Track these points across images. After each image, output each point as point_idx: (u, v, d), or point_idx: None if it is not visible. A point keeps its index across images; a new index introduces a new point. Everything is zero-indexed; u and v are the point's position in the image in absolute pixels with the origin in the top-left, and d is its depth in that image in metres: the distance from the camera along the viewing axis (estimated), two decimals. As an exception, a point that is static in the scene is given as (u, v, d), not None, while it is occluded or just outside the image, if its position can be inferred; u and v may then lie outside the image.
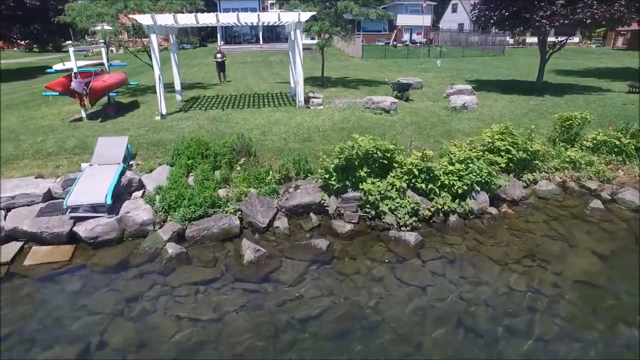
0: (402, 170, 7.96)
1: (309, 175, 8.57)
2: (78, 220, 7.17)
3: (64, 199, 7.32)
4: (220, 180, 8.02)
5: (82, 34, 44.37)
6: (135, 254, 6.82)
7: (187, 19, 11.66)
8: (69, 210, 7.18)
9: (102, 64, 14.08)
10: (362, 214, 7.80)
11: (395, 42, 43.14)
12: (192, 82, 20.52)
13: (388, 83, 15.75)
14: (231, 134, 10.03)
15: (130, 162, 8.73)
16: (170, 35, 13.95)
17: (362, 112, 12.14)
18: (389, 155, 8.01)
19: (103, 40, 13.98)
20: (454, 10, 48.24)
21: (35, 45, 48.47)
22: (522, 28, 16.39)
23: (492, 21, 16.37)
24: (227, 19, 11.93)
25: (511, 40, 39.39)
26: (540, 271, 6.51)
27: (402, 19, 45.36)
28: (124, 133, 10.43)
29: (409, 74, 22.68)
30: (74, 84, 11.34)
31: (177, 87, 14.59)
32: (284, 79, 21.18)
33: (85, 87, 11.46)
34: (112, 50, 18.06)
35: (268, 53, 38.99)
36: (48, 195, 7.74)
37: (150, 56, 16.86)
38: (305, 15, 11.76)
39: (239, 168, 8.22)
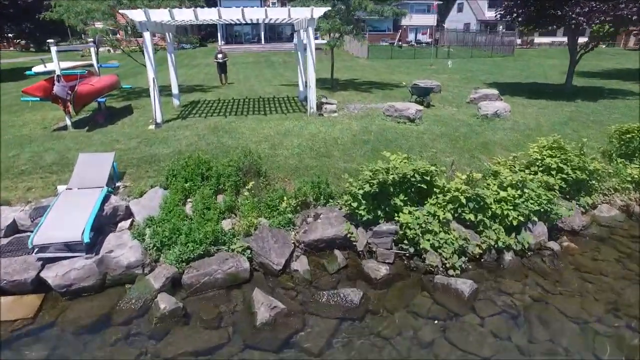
0: (445, 197, 6.51)
1: (330, 200, 7.13)
2: (48, 261, 5.71)
3: (32, 232, 5.88)
4: (225, 208, 6.56)
5: (81, 33, 42.87)
6: (119, 308, 5.36)
7: (184, 15, 10.18)
8: (35, 250, 5.72)
9: (92, 66, 12.61)
10: (398, 252, 6.35)
11: (400, 42, 41.66)
12: (191, 85, 19.03)
13: (406, 87, 14.30)
14: (236, 147, 8.57)
15: (117, 184, 7.26)
16: (166, 34, 12.47)
17: (383, 121, 10.68)
18: (428, 178, 6.57)
19: (92, 40, 12.49)
20: (460, 9, 46.79)
21: (31, 45, 46.85)
22: (555, 26, 14.96)
23: (520, 19, 14.91)
24: (230, 15, 10.46)
25: (519, 40, 37.94)
26: (632, 335, 5.08)
27: (407, 19, 43.82)
28: (111, 146, 8.96)
29: (421, 76, 21.22)
30: (56, 89, 9.85)
31: (175, 90, 13.12)
32: (290, 81, 19.69)
33: (69, 92, 9.98)
34: (109, 50, 16.65)
35: (270, 53, 37.49)
36: (12, 228, 6.27)
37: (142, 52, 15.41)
38: (319, 11, 10.30)
39: (247, 193, 6.76)
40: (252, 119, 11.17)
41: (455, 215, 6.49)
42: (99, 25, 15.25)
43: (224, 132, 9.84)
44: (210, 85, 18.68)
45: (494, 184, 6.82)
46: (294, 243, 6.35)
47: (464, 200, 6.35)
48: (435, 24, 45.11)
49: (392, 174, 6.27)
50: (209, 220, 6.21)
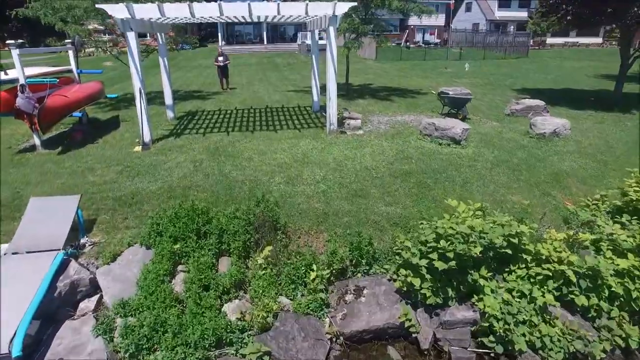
0: (542, 269, 4.53)
1: (373, 263, 5.14)
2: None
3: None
4: (230, 284, 4.57)
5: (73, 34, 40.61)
6: None
7: (177, 12, 8.15)
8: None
9: (70, 72, 10.57)
10: (480, 351, 4.38)
11: (408, 43, 39.61)
12: (189, 90, 16.98)
13: (435, 95, 12.30)
14: (243, 182, 6.57)
15: (82, 240, 5.26)
16: (158, 35, 10.45)
17: (420, 142, 8.67)
18: (516, 241, 4.59)
19: (71, 41, 10.46)
20: (468, 9, 44.74)
21: (26, 45, 44.60)
22: (613, 26, 13.07)
23: (568, 17, 12.91)
24: (233, 11, 8.44)
25: (530, 41, 35.94)
26: None
27: (415, 19, 41.75)
28: (84, 177, 6.94)
29: (439, 81, 19.23)
30: (19, 101, 7.84)
31: (168, 100, 11.08)
32: (297, 86, 17.66)
33: (36, 105, 7.98)
34: (104, 51, 14.61)
35: (273, 54, 35.42)
36: None
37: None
38: (343, 7, 8.30)
39: (261, 261, 4.76)
40: (260, 137, 9.16)
41: (558, 294, 4.52)
42: (92, 25, 13.24)
43: (226, 156, 7.83)
44: (210, 90, 16.64)
45: (606, 247, 4.84)
46: (329, 338, 4.37)
47: (573, 277, 4.37)
48: (444, 24, 43.08)
49: (473, 244, 4.29)
50: (207, 308, 4.21)
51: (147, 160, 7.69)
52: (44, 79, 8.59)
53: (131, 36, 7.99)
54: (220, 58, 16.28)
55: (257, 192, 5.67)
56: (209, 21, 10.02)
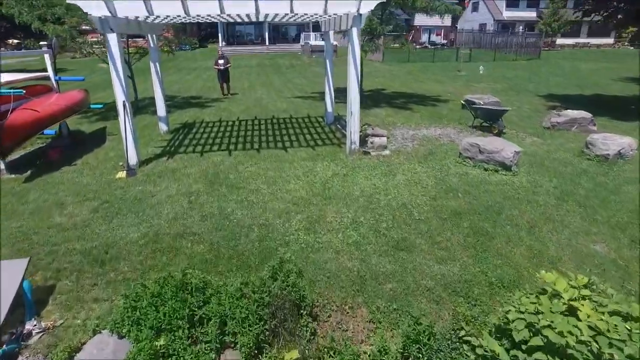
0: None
1: (432, 357, 3.66)
2: None
3: None
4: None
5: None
6: None
7: (169, 8, 6.64)
8: None
9: (48, 78, 9.05)
10: None
11: (414, 44, 38.09)
12: (187, 96, 15.47)
13: (465, 106, 10.81)
14: (250, 228, 5.07)
15: (28, 326, 3.76)
16: (149, 36, 8.95)
17: (460, 166, 7.17)
18: None
19: (47, 43, 8.94)
20: (475, 9, 43.22)
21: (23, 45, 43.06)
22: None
23: (620, 16, 11.40)
24: (237, 9, 6.93)
25: (541, 42, 34.45)
26: None
27: (421, 19, 40.24)
28: (49, 216, 5.43)
29: (456, 85, 17.75)
30: (-24, 118, 6.36)
31: (161, 111, 9.57)
32: (304, 91, 16.15)
33: (-3, 123, 6.49)
34: (85, 54, 13.13)
35: (275, 55, 33.90)
36: None
37: (127, 62, 11.86)
38: (370, 5, 6.81)
39: (282, 369, 3.27)
40: (268, 158, 7.67)
41: None
42: (78, 25, 11.71)
43: (228, 186, 6.33)
44: (209, 96, 15.13)
45: None
46: None
47: None
48: (450, 25, 41.59)
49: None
50: None
51: (131, 192, 6.18)
52: (9, 90, 7.07)
53: (112, 38, 6.48)
54: (221, 61, 14.77)
55: (272, 259, 4.16)
56: (208, 20, 8.52)
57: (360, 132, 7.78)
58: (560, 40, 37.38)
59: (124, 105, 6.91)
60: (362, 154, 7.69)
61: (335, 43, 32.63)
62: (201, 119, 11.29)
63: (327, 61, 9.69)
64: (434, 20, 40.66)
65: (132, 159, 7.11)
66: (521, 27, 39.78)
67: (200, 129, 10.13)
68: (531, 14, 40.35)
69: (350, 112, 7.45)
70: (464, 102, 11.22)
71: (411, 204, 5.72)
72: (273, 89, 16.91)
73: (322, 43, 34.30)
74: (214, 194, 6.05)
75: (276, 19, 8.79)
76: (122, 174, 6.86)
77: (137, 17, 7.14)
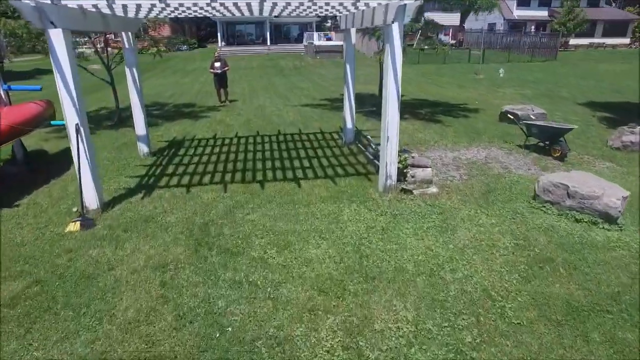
0: None
1: None
2: None
3: None
4: None
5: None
6: None
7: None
8: None
9: (-5, 88, 7.01)
10: None
11: (422, 44, 35.98)
12: (179, 103, 13.44)
13: (505, 119, 8.79)
14: (253, 346, 3.07)
15: None
16: (123, 34, 6.91)
17: (541, 215, 5.11)
18: None
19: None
20: (483, 8, 41.19)
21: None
22: None
23: None
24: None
25: (558, 42, 32.39)
26: None
27: (428, 18, 38.18)
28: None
29: (480, 90, 15.74)
30: None
31: (140, 129, 7.51)
32: (312, 97, 14.12)
33: None
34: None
35: (276, 55, 31.85)
36: None
37: (106, 66, 9.84)
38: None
39: None
40: (276, 198, 5.66)
41: None
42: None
43: (220, 253, 4.31)
44: (204, 104, 13.10)
45: None
46: None
47: None
48: (459, 24, 39.52)
49: None
50: None
51: (79, 262, 4.17)
52: None
53: (56, 36, 4.46)
54: (217, 64, 12.74)
55: None
56: (196, 14, 6.50)
57: (399, 162, 5.77)
58: (573, 41, 35.30)
59: (77, 130, 4.90)
60: (400, 192, 5.69)
61: (340, 43, 30.57)
62: (192, 134, 9.27)
63: (347, 67, 7.67)
64: (444, 19, 38.59)
65: (91, 203, 5.11)
66: (532, 27, 37.73)
67: (189, 149, 8.11)
68: (542, 13, 38.29)
69: (387, 137, 5.45)
70: (510, 116, 9.22)
71: (495, 289, 3.72)
72: (277, 95, 14.89)
73: (328, 43, 32.30)
74: (199, 268, 4.04)
75: (284, 12, 6.77)
76: (74, 226, 4.85)
77: (96, 7, 5.12)
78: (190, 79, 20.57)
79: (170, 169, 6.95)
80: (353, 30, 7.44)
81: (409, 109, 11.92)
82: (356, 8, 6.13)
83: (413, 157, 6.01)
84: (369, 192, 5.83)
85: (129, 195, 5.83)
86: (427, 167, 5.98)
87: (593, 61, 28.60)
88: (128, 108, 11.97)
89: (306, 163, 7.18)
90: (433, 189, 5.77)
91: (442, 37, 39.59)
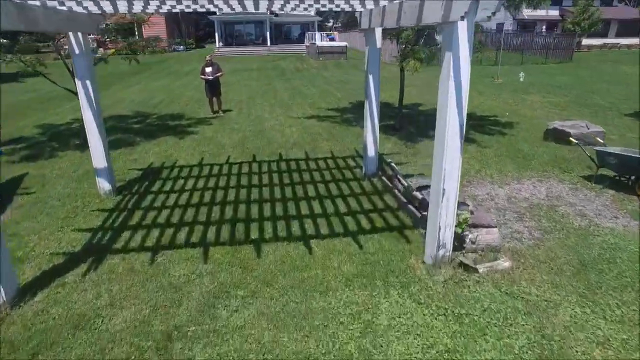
0: None
1: None
2: None
3: None
4: None
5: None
6: None
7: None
8: None
9: None
10: None
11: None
12: (166, 114, 11.58)
13: (582, 149, 6.93)
14: None
15: None
16: (70, 36, 5.07)
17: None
18: None
19: None
20: (491, 7, 39.18)
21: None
22: None
23: None
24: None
25: (575, 43, 30.55)
26: None
27: (434, 17, 36.26)
28: None
29: (503, 96, 13.88)
30: None
31: (99, 159, 5.58)
32: (318, 107, 12.24)
33: None
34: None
35: (277, 56, 29.95)
36: None
37: (70, 73, 8.01)
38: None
39: None
40: (278, 277, 3.82)
41: None
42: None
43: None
44: (194, 115, 11.25)
45: None
46: None
47: None
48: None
49: None
50: None
51: None
52: None
53: None
54: (208, 69, 10.88)
55: None
56: (182, 7, 4.67)
57: (457, 225, 3.91)
58: (586, 41, 33.38)
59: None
60: (458, 268, 3.85)
61: (344, 44, 28.68)
62: (174, 158, 7.42)
63: (370, 79, 5.80)
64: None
65: (-8, 299, 3.28)
66: (543, 27, 35.84)
67: (167, 183, 6.26)
68: (553, 13, 36.37)
69: (441, 190, 3.61)
70: (573, 140, 7.34)
71: None
72: (278, 103, 13.02)
73: (331, 44, 30.31)
74: None
75: (291, 9, 4.93)
76: (-42, 343, 3.02)
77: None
78: (183, 82, 18.70)
79: (135, 218, 5.11)
80: (379, 31, 5.58)
81: (433, 121, 10.04)
82: (390, 0, 4.29)
83: (472, 213, 4.16)
84: (411, 263, 3.99)
85: (67, 268, 4.00)
86: (491, 226, 4.14)
87: (610, 62, 26.71)
88: (107, 119, 10.15)
89: (317, 207, 5.34)
90: (504, 263, 3.93)
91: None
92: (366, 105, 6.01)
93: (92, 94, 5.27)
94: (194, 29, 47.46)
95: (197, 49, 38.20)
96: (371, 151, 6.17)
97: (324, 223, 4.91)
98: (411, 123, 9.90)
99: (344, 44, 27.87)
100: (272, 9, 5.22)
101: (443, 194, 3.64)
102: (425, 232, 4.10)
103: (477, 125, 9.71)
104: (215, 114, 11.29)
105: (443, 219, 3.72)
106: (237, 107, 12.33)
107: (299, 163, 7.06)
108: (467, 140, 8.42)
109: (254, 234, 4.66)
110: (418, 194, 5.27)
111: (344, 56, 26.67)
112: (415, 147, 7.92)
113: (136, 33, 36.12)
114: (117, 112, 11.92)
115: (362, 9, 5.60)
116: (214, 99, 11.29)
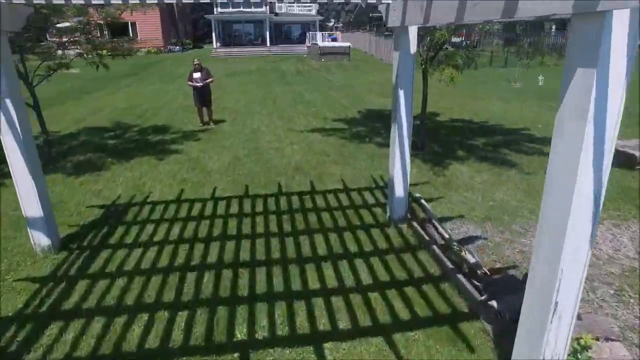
0: None
1: None
2: None
3: None
4: None
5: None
6: None
7: None
8: None
9: None
10: None
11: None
12: (149, 125, 10.04)
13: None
14: None
15: None
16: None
17: None
18: None
19: None
20: (498, 6, 37.54)
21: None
22: None
23: None
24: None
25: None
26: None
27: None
28: None
29: (529, 104, 12.33)
30: None
31: (31, 206, 4.06)
32: (322, 115, 10.68)
33: None
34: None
35: (278, 58, 28.38)
36: None
37: (29, 86, 6.42)
38: None
39: None
40: None
41: None
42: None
43: None
44: (181, 128, 9.71)
45: None
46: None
47: None
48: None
49: None
50: None
51: None
52: None
53: None
54: (197, 75, 9.37)
55: None
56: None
57: (571, 355, 2.40)
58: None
59: None
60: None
61: (348, 44, 27.07)
62: (146, 190, 5.88)
63: (401, 94, 4.25)
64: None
65: None
66: (552, 26, 34.24)
67: (129, 234, 4.72)
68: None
69: (553, 304, 2.08)
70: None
71: None
72: (277, 112, 11.49)
73: (333, 44, 28.66)
74: None
75: None
76: None
77: None
78: (175, 86, 17.13)
79: (75, 295, 3.58)
80: (414, 31, 4.04)
81: (459, 138, 8.54)
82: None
83: (579, 318, 2.63)
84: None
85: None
86: (611, 339, 2.61)
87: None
88: (65, 139, 8.62)
89: (330, 277, 3.81)
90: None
91: (454, 38, 36.17)
92: (394, 130, 4.47)
93: (14, 117, 3.73)
94: (192, 29, 45.90)
95: (195, 49, 36.63)
96: (399, 189, 4.64)
97: (341, 307, 3.39)
98: (433, 139, 8.37)
99: (347, 44, 26.30)
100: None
101: (554, 309, 2.11)
102: (492, 327, 2.58)
103: (510, 142, 8.18)
104: (205, 125, 9.76)
105: (550, 347, 2.19)
106: (231, 117, 10.79)
107: (302, 199, 5.52)
108: (504, 162, 6.90)
109: (241, 330, 3.14)
110: (469, 257, 3.76)
111: (347, 57, 25.12)
112: (446, 174, 6.39)
113: (130, 33, 34.57)
114: (94, 123, 10.39)
115: (389, 0, 4.07)
116: (204, 108, 9.76)
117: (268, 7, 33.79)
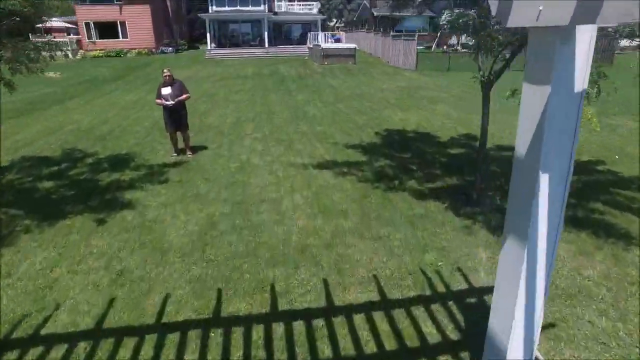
0: None
1: None
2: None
3: None
4: None
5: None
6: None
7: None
8: None
9: None
10: None
11: (444, 47, 30.11)
12: (106, 155, 7.58)
13: None
14: None
15: None
16: None
17: None
18: None
19: None
20: (509, 5, 35.13)
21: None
22: None
23: None
24: None
25: (616, 45, 26.70)
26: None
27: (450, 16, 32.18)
28: None
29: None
30: None
31: None
32: (331, 139, 8.24)
33: None
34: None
35: (276, 59, 25.96)
36: None
37: None
38: None
39: None
40: None
41: None
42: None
43: None
44: (148, 159, 7.28)
45: None
46: None
47: None
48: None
49: None
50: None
51: None
52: None
53: None
54: (166, 91, 6.99)
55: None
56: None
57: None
58: (623, 42, 29.42)
59: None
60: None
61: (353, 46, 24.61)
62: (52, 303, 3.50)
63: (542, 187, 1.91)
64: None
65: None
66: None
67: None
68: (580, 11, 32.32)
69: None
70: None
71: None
72: (274, 134, 9.09)
73: (337, 45, 26.19)
74: None
75: None
76: None
77: None
78: (151, 99, 14.73)
79: None
80: (587, 36, 1.67)
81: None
82: None
83: None
84: None
85: None
86: None
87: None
88: (18, 165, 6.27)
89: None
90: None
91: (465, 38, 33.69)
92: (517, 251, 2.09)
93: None
94: (188, 29, 43.41)
95: (189, 50, 34.15)
96: (521, 319, 2.25)
97: None
98: (494, 184, 5.94)
99: (352, 45, 23.83)
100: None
101: None
102: None
103: (590, 186, 5.78)
104: (179, 155, 7.39)
105: None
106: (215, 143, 8.39)
107: (312, 327, 3.12)
108: (598, 222, 4.48)
109: None
110: None
111: (353, 60, 22.68)
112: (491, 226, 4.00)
113: (119, 33, 32.08)
114: (40, 149, 8.02)
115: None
116: (178, 133, 7.39)
117: (267, 5, 31.33)
